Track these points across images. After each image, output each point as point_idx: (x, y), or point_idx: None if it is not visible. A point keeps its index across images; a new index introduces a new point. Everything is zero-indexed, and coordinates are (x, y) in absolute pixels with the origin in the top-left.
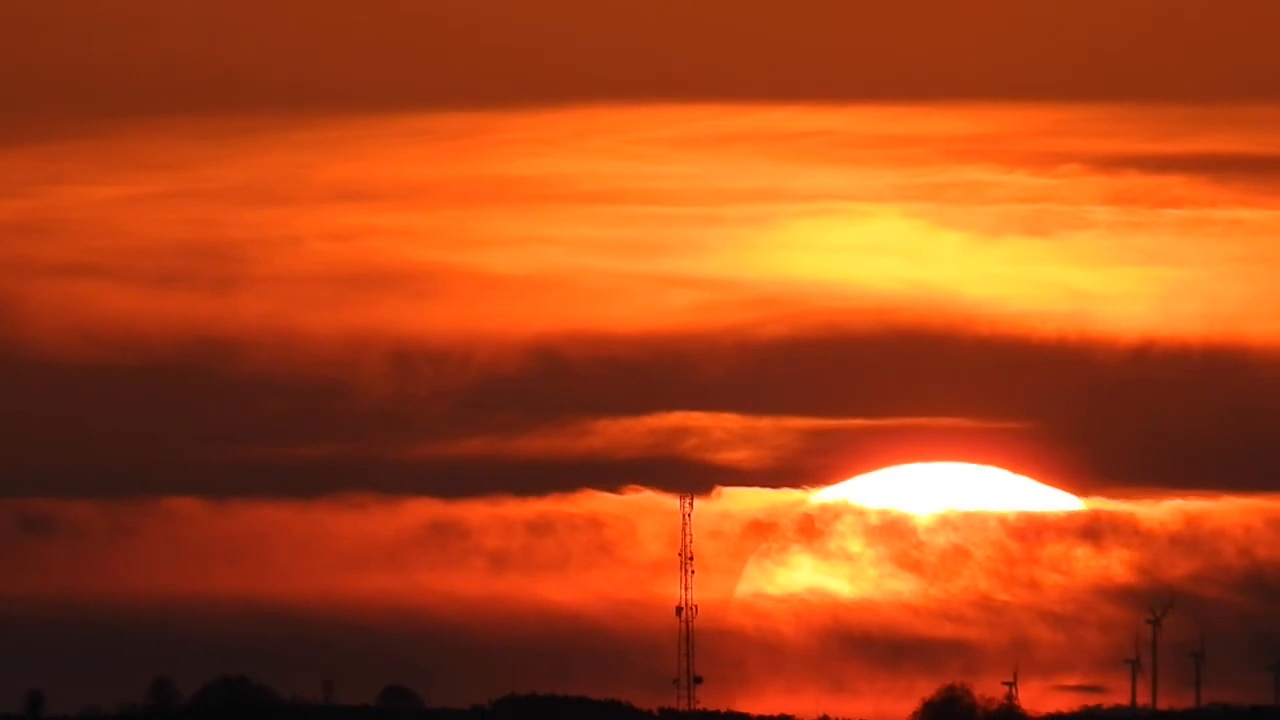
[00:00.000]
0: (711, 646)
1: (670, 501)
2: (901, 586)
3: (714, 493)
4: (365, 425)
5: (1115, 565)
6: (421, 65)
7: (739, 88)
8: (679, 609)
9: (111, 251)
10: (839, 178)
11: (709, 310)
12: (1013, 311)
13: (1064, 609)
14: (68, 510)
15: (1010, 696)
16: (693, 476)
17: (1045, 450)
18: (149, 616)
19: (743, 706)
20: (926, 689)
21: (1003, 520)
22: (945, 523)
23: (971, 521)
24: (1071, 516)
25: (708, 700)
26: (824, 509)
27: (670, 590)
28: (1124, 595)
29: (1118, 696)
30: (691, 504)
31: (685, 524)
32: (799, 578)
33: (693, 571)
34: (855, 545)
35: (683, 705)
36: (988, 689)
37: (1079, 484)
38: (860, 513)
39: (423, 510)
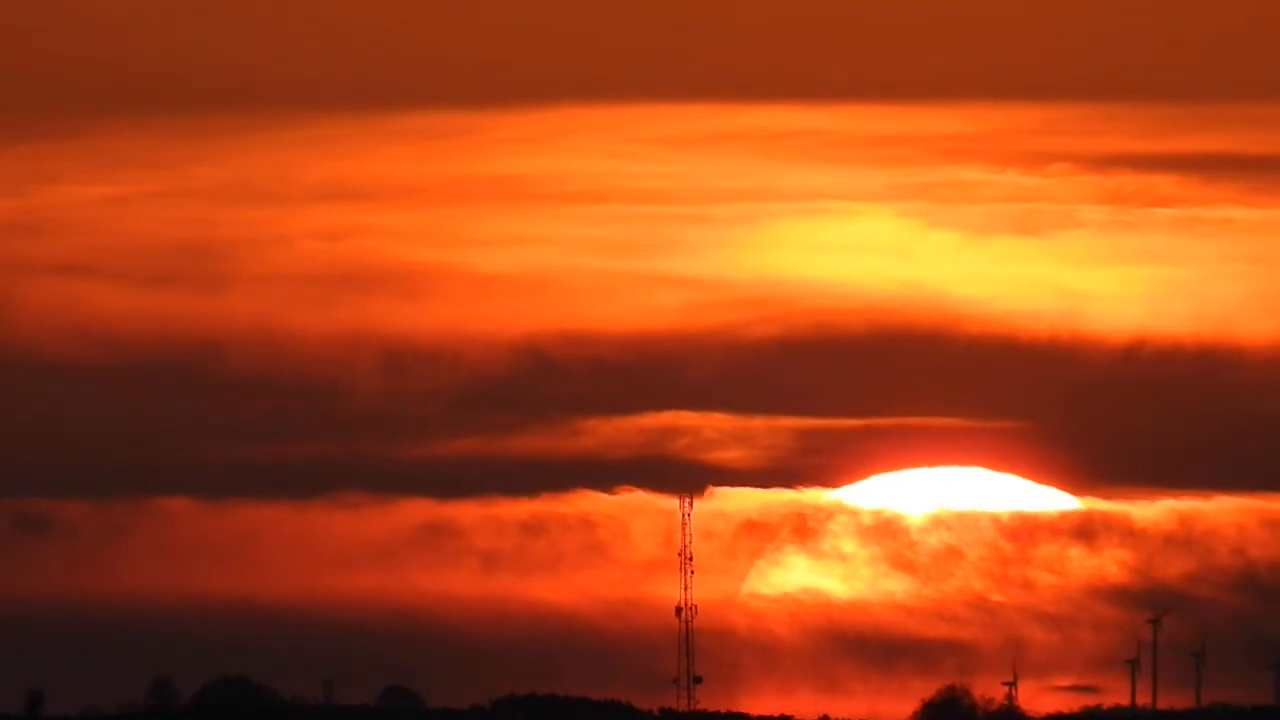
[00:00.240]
0: (706, 646)
1: (662, 501)
2: (895, 587)
3: (706, 492)
4: (358, 425)
5: (1109, 565)
6: (410, 65)
7: (728, 87)
8: (678, 609)
9: (102, 251)
10: (829, 177)
11: (699, 310)
12: (1004, 311)
13: (1058, 609)
14: (60, 510)
15: (1010, 697)
16: (685, 476)
17: (1038, 450)
18: (149, 616)
19: (741, 706)
20: (920, 689)
21: (996, 520)
22: (938, 523)
23: (965, 521)
24: (1065, 516)
25: (707, 700)
26: (817, 509)
27: (663, 590)
28: (1118, 595)
29: (1117, 696)
30: (691, 504)
31: (685, 524)
32: (792, 578)
33: (692, 572)
34: (848, 545)
35: (682, 705)
36: (983, 689)
37: (1072, 484)
38: (853, 513)
39: (416, 510)
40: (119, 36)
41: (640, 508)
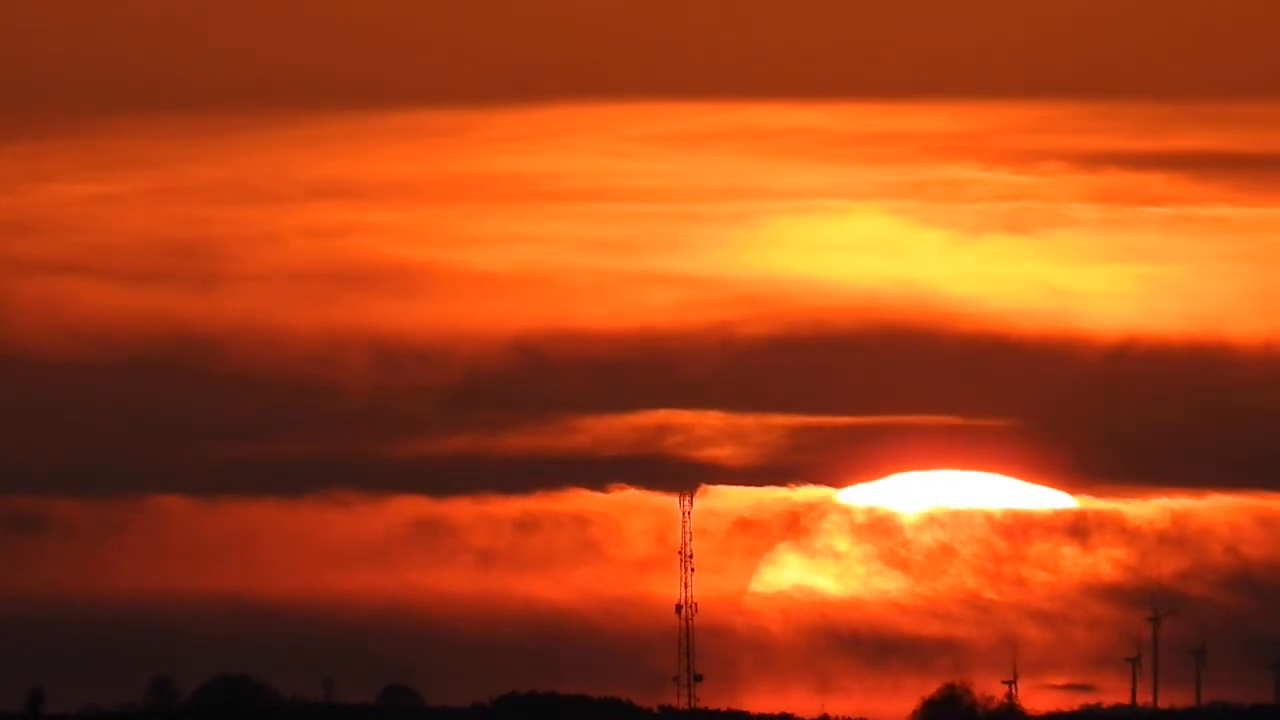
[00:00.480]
0: (701, 644)
1: (656, 499)
2: (889, 585)
3: (699, 490)
4: (351, 423)
5: (1102, 563)
6: (403, 63)
7: (721, 85)
8: (679, 607)
9: (94, 249)
10: (821, 175)
11: (692, 308)
12: (994, 309)
13: (1052, 607)
14: (52, 508)
15: (1010, 695)
16: (678, 474)
17: (1031, 448)
18: (149, 615)
19: (741, 705)
20: (914, 687)
21: (990, 518)
22: (932, 521)
23: (958, 520)
24: (1059, 514)
25: (706, 698)
26: (810, 507)
27: (658, 588)
28: (1112, 593)
29: (1114, 695)
30: (691, 502)
31: (685, 522)
32: (786, 576)
33: (692, 569)
34: (842, 543)
35: (682, 703)
36: (980, 687)
37: (1066, 482)
38: (846, 511)
39: (410, 508)
40: (112, 35)
41: (634, 506)
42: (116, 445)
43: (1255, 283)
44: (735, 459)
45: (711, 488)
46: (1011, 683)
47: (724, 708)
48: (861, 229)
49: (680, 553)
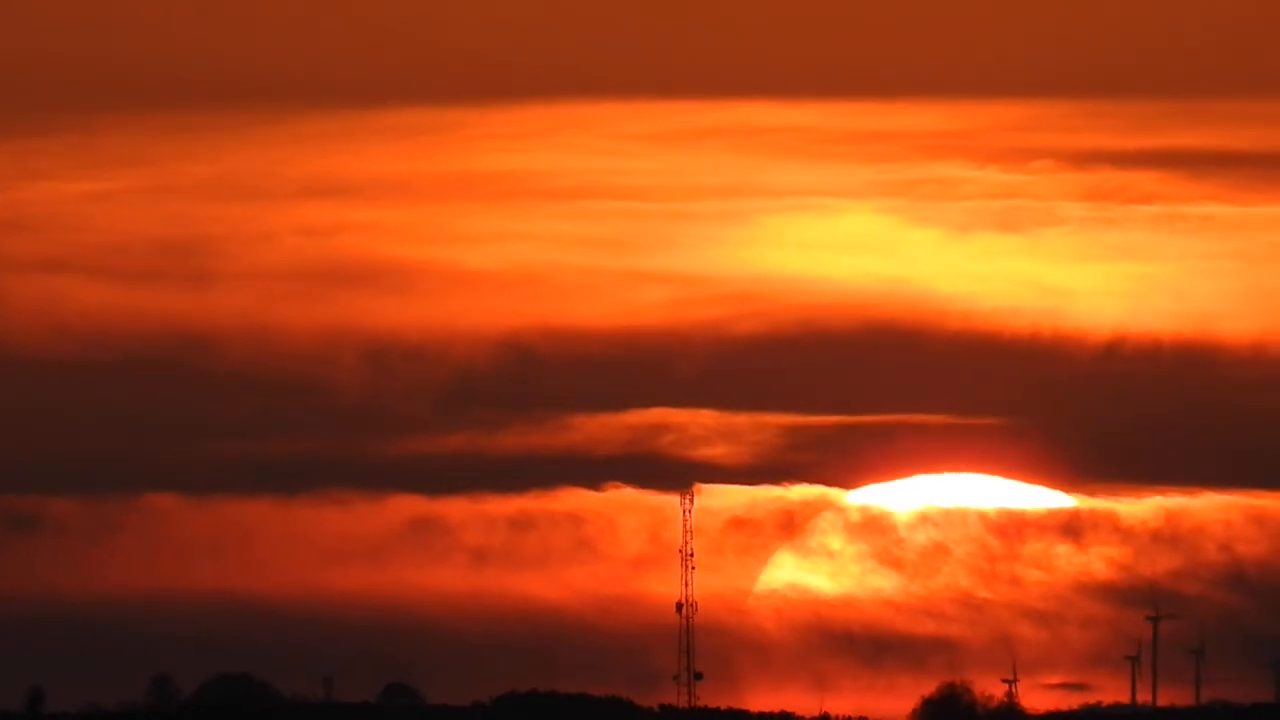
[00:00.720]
0: (699, 643)
1: (650, 498)
2: (883, 583)
3: (694, 490)
4: (344, 421)
5: (1096, 562)
6: (395, 61)
7: (711, 83)
8: (679, 605)
9: (86, 247)
10: (811, 174)
11: (682, 306)
12: (986, 308)
13: (1046, 606)
14: (46, 506)
15: (1010, 694)
16: (672, 473)
17: (1025, 447)
18: (149, 614)
19: (739, 703)
20: (908, 686)
21: (983, 517)
22: (926, 519)
23: (952, 518)
24: (1052, 513)
25: (706, 697)
26: (804, 505)
27: (653, 586)
28: (1106, 592)
29: (1110, 694)
30: (692, 500)
31: (686, 520)
32: (780, 575)
33: (693, 568)
34: (836, 542)
35: (683, 702)
36: (979, 686)
37: (1059, 480)
38: (840, 509)
39: (405, 506)
40: (104, 33)
41: (628, 504)
42: (109, 443)
43: (1246, 281)
44: (729, 458)
45: (705, 486)
46: (1012, 681)
47: (724, 706)
48: (853, 227)
49: (681, 551)
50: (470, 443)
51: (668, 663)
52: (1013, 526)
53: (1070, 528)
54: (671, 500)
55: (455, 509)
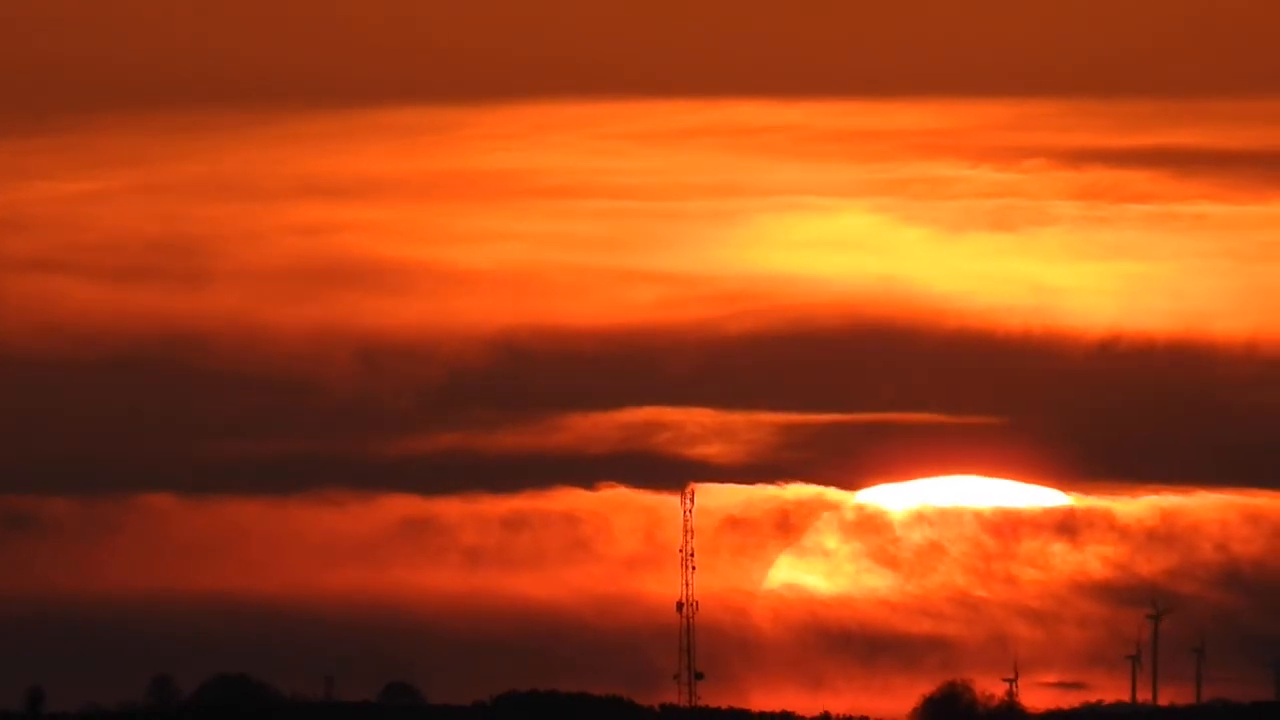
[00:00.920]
0: (698, 642)
1: (644, 497)
2: (878, 583)
3: (689, 489)
4: (337, 421)
5: (1092, 561)
6: (387, 61)
7: (703, 83)
8: (679, 604)
9: (79, 247)
10: (803, 173)
11: (675, 305)
12: (978, 306)
13: (1042, 605)
14: (40, 506)
15: (1011, 693)
16: (667, 472)
17: (1020, 446)
18: (149, 614)
19: (739, 703)
20: (904, 685)
21: (979, 516)
22: (921, 518)
23: (947, 517)
24: (1048, 512)
25: (706, 696)
26: (800, 505)
27: (649, 586)
28: (1102, 591)
29: (1109, 692)
30: (692, 500)
31: (686, 520)
32: (775, 574)
33: (694, 567)
34: (831, 541)
35: (683, 701)
36: (979, 685)
37: (1055, 479)
38: (836, 508)
39: (399, 506)
40: (98, 33)
41: (622, 503)
42: (103, 443)
43: (1239, 279)
44: (724, 456)
45: (701, 486)
46: (1012, 680)
47: (724, 706)
48: (845, 226)
49: (681, 551)
50: (464, 442)
51: (668, 663)
52: (1008, 525)
53: (1065, 526)
54: (665, 499)
55: (449, 509)
